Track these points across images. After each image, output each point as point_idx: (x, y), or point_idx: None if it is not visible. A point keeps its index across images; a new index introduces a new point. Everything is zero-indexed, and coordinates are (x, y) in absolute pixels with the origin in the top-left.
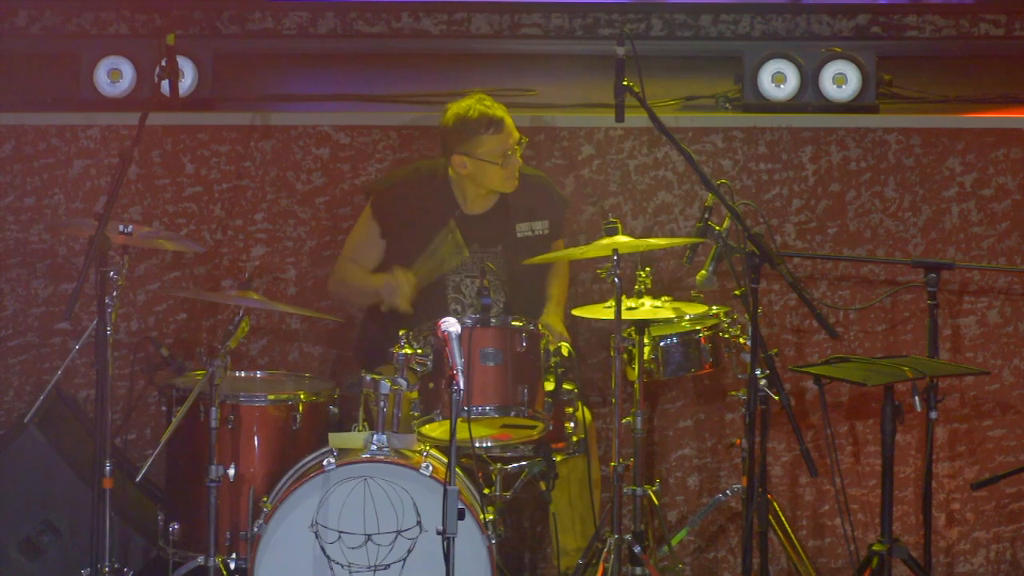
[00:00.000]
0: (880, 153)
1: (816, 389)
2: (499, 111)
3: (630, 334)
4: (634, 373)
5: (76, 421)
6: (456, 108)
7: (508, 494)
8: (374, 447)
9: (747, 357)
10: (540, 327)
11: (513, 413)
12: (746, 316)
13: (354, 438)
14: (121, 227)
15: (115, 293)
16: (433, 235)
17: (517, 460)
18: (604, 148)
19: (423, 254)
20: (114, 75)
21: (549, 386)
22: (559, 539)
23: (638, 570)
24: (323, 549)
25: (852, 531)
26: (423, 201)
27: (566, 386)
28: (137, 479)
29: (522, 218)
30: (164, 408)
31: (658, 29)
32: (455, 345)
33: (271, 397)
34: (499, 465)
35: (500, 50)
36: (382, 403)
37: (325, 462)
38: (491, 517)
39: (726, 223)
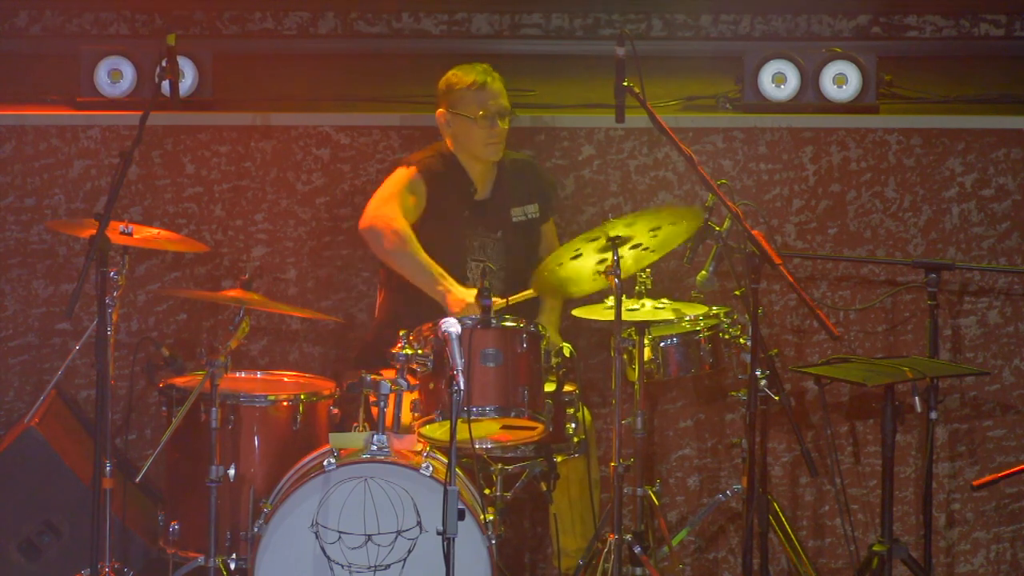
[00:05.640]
0: (880, 153)
1: (816, 389)
2: (487, 75)
3: (630, 335)
4: (634, 374)
5: (76, 421)
6: (451, 71)
7: (508, 495)
8: (374, 447)
9: (747, 357)
10: (539, 328)
11: (513, 414)
12: (746, 316)
13: (354, 438)
14: (121, 227)
15: (115, 293)
16: (451, 216)
17: (517, 461)
18: (604, 148)
19: None
20: (114, 75)
21: (550, 387)
22: (559, 540)
23: (638, 571)
24: (323, 549)
25: (852, 531)
26: (449, 180)
27: (567, 387)
28: (137, 479)
29: (516, 203)
30: (164, 408)
31: (658, 29)
32: (455, 345)
33: (271, 397)
34: (499, 466)
35: (500, 50)
36: (382, 403)
37: (325, 462)
38: (491, 518)
39: (726, 223)
